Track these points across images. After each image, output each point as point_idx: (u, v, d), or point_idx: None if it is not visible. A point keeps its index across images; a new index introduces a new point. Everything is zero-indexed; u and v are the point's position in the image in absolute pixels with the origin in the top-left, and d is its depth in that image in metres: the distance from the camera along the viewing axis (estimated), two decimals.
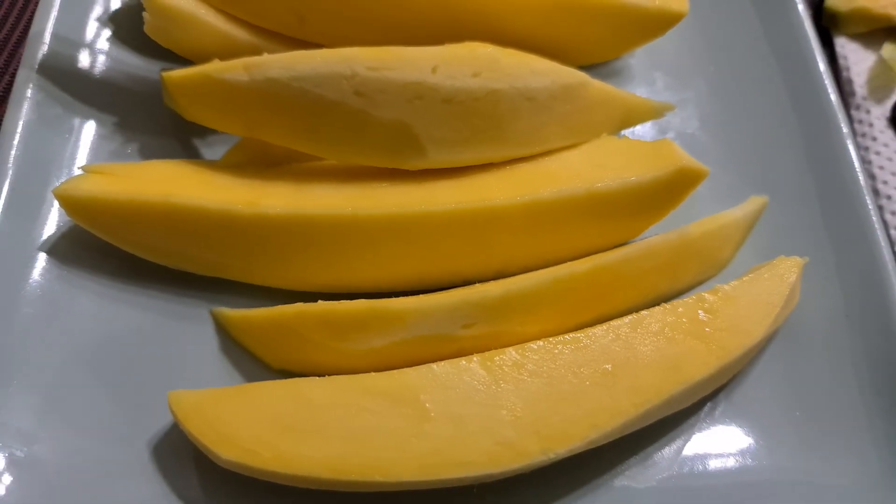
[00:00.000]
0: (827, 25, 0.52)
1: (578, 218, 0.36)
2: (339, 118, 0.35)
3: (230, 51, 0.39)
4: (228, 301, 0.37)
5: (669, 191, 0.37)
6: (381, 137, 0.35)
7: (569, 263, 0.35)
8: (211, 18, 0.38)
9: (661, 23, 0.40)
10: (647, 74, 0.46)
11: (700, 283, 0.39)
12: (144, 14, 0.37)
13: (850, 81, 0.49)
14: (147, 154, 0.40)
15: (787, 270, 0.36)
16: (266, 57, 0.35)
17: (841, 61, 0.50)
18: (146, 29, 0.38)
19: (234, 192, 0.36)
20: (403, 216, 0.34)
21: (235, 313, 0.35)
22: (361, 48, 0.35)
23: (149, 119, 0.41)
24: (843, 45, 0.51)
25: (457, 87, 0.35)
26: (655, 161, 0.37)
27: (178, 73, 0.37)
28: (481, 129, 0.36)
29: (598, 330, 0.33)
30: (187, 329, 0.36)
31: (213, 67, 0.36)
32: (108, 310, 0.36)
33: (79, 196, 0.35)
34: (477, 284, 0.35)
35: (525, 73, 0.36)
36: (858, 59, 0.50)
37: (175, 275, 0.37)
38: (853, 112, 0.48)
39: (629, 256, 0.36)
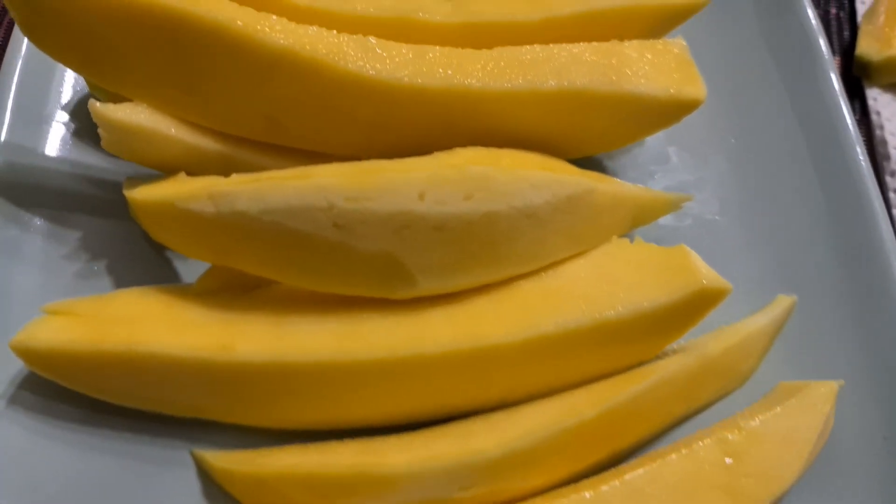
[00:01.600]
0: (858, 75, 0.47)
1: (585, 347, 0.32)
2: (316, 251, 0.31)
3: (197, 161, 0.35)
4: (211, 440, 0.34)
5: (687, 313, 0.33)
6: (364, 268, 0.32)
7: (575, 407, 0.32)
8: (172, 131, 0.34)
9: (675, 112, 0.36)
10: (660, 150, 0.42)
11: (720, 399, 0.36)
12: (99, 130, 0.34)
13: (884, 142, 0.44)
14: (115, 272, 0.37)
15: (820, 399, 0.32)
16: (233, 185, 0.31)
17: (874, 117, 0.46)
18: (103, 144, 0.34)
19: (207, 332, 0.32)
20: (392, 360, 0.31)
21: (217, 461, 0.32)
22: (337, 173, 0.31)
23: (116, 230, 0.37)
24: (876, 98, 0.46)
25: (448, 213, 0.31)
26: (671, 278, 0.33)
27: (141, 195, 0.33)
28: (477, 253, 0.32)
29: (610, 487, 0.30)
30: (168, 473, 0.33)
31: (177, 194, 0.32)
32: (79, 459, 0.33)
33: (36, 347, 0.31)
34: (475, 431, 0.32)
35: (523, 190, 0.32)
36: (892, 113, 0.45)
37: (150, 415, 0.34)
38: (888, 178, 0.43)
39: (642, 390, 0.32)
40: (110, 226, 0.38)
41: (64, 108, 0.40)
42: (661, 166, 0.41)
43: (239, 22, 0.32)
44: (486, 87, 0.34)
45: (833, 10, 0.51)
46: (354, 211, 0.31)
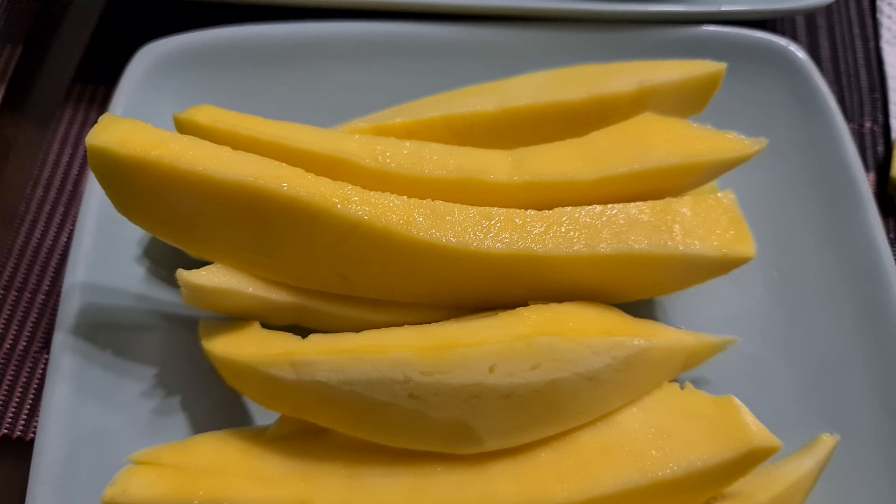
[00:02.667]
0: (892, 194, 0.49)
1: (640, 502, 0.35)
2: (391, 416, 0.33)
3: (272, 311, 0.37)
4: None
5: (737, 469, 0.34)
6: (435, 431, 0.34)
7: None
8: (250, 290, 0.36)
9: (726, 267, 0.38)
10: (703, 285, 0.43)
11: None
12: (182, 289, 0.36)
13: None
14: (191, 410, 0.39)
15: None
16: (313, 356, 0.33)
17: None
18: (184, 299, 0.36)
19: (286, 485, 0.34)
20: None
21: None
22: (412, 347, 0.33)
23: (192, 366, 0.40)
24: None
25: (516, 384, 0.33)
26: (723, 435, 0.34)
27: (219, 350, 0.36)
28: (539, 415, 0.34)
29: None
30: None
31: (258, 358, 0.34)
32: None
33: (128, 503, 0.34)
34: None
35: (586, 357, 0.34)
36: None
37: None
38: None
39: None
40: (186, 362, 0.40)
41: (138, 244, 0.42)
42: (704, 298, 0.43)
43: (317, 196, 0.34)
44: (548, 252, 0.35)
45: (867, 124, 0.52)
46: (429, 384, 0.33)
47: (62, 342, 0.38)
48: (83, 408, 0.37)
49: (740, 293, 0.43)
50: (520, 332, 0.34)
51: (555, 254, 0.36)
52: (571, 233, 0.36)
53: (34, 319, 0.45)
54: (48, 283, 0.45)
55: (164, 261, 0.42)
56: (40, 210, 0.48)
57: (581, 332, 0.35)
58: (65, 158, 0.50)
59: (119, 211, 0.34)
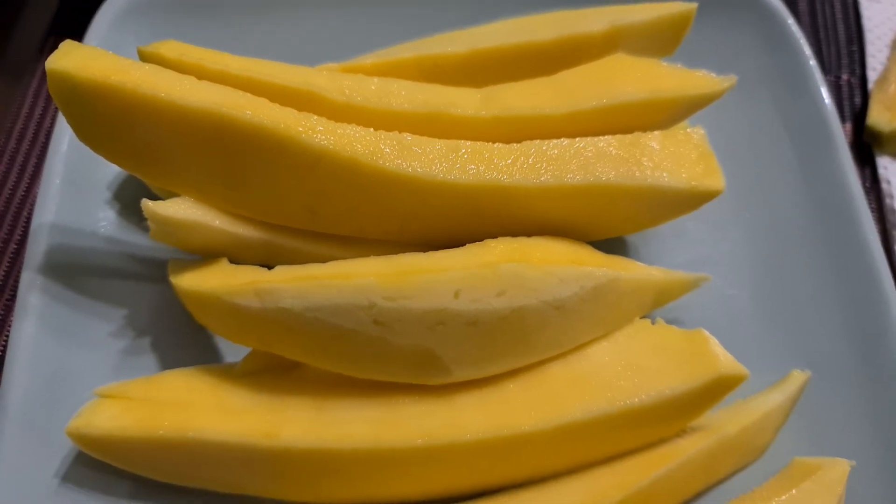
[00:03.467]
0: (868, 141, 0.49)
1: (609, 433, 0.34)
2: (356, 344, 0.33)
3: (240, 248, 0.37)
4: None
5: (706, 398, 0.34)
6: (401, 360, 0.34)
7: (602, 489, 0.33)
8: (217, 223, 0.36)
9: (695, 201, 0.37)
10: (677, 224, 0.42)
11: (739, 471, 0.38)
12: (149, 222, 0.36)
13: (893, 211, 0.46)
14: (160, 348, 0.39)
15: (833, 481, 0.34)
16: (277, 284, 0.33)
17: (884, 185, 0.47)
18: (151, 235, 0.36)
19: (253, 417, 0.34)
20: (429, 448, 0.33)
21: None
22: (376, 273, 0.33)
23: (160, 306, 0.39)
24: (886, 167, 0.47)
25: (481, 310, 0.33)
26: (692, 365, 0.34)
27: (187, 284, 0.35)
28: (507, 344, 0.34)
29: None
30: None
31: (223, 288, 0.34)
32: None
33: (92, 434, 0.33)
34: None
35: (552, 285, 0.34)
36: None
37: (196, 491, 0.35)
38: None
39: (665, 473, 0.34)
40: (154, 303, 0.40)
41: (108, 188, 0.42)
42: (678, 240, 0.43)
43: (282, 124, 0.34)
44: (515, 183, 0.35)
45: (844, 76, 0.52)
46: (393, 309, 0.33)
47: (29, 281, 0.38)
48: (50, 346, 0.37)
49: (712, 235, 0.43)
50: (485, 259, 0.34)
51: (522, 184, 0.35)
52: (539, 164, 0.36)
53: (5, 269, 0.44)
54: (20, 233, 0.45)
55: (135, 204, 0.41)
56: (12, 162, 0.48)
57: (548, 262, 0.35)
58: (37, 111, 0.49)
59: (82, 140, 0.34)
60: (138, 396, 0.35)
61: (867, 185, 0.48)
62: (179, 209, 0.35)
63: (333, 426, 0.34)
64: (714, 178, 0.37)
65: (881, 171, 0.48)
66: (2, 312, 0.43)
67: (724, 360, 0.35)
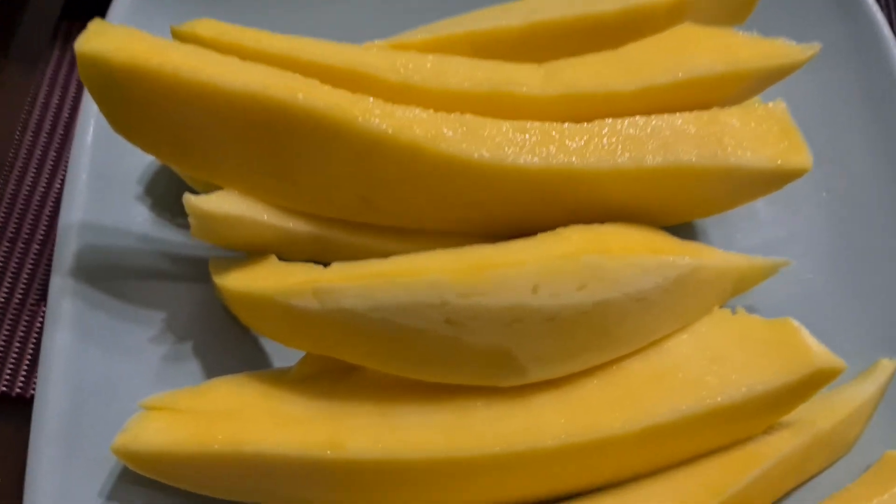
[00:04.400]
0: None
1: (697, 432, 0.32)
2: (426, 345, 0.31)
3: (288, 244, 0.34)
4: None
5: (800, 393, 0.32)
6: (474, 361, 0.31)
7: (695, 493, 0.31)
8: (264, 217, 0.33)
9: (779, 180, 0.35)
10: (748, 205, 0.40)
11: (828, 467, 0.36)
12: (190, 218, 0.33)
13: None
14: (203, 354, 0.36)
15: None
16: (337, 283, 0.30)
17: None
18: (192, 232, 0.33)
19: (312, 427, 0.31)
20: (506, 455, 0.30)
21: None
22: (447, 269, 0.30)
23: (201, 308, 0.37)
24: None
25: (561, 305, 0.30)
26: (782, 357, 0.32)
27: (234, 285, 0.33)
28: (586, 341, 0.31)
29: None
30: None
31: (277, 289, 0.31)
32: None
33: (140, 451, 0.30)
34: None
35: (635, 276, 0.31)
36: None
37: None
38: None
39: (759, 475, 0.31)
40: (195, 305, 0.37)
41: (138, 182, 0.39)
42: (750, 222, 0.40)
43: (335, 108, 0.31)
44: (588, 166, 0.33)
45: None
46: (467, 307, 0.30)
47: (60, 286, 0.35)
48: (86, 356, 0.34)
49: (786, 215, 0.40)
50: (563, 250, 0.31)
51: (596, 168, 0.33)
52: (614, 145, 0.33)
53: (29, 270, 0.41)
54: (42, 231, 0.42)
55: (168, 199, 0.39)
56: (30, 156, 0.44)
57: (628, 251, 0.32)
58: (54, 100, 0.46)
59: (116, 130, 0.31)
60: (186, 408, 0.33)
61: None
62: (224, 203, 0.32)
63: (402, 433, 0.31)
64: (800, 156, 0.34)
65: None
66: (28, 317, 0.40)
67: (819, 351, 0.32)
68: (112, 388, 0.34)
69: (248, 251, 0.35)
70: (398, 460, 0.31)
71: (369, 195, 0.33)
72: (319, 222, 0.34)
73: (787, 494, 0.35)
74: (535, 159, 0.32)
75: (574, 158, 0.33)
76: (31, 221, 0.43)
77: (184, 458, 0.31)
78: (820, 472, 0.35)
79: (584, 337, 0.32)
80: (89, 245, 0.37)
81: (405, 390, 0.33)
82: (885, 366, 0.36)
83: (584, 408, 0.32)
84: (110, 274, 0.37)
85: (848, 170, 0.41)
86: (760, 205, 0.41)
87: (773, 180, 0.35)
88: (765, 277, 0.37)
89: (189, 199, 0.32)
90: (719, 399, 0.31)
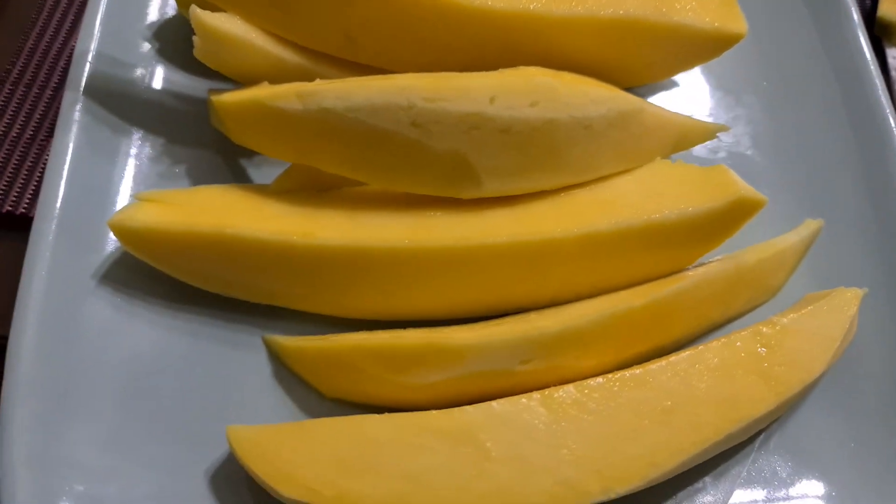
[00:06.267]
0: (879, 35, 0.51)
1: (634, 248, 0.36)
2: (393, 148, 0.35)
3: (279, 73, 0.38)
4: (282, 327, 0.37)
5: (726, 220, 0.36)
6: (436, 167, 0.35)
7: (625, 297, 0.35)
8: (261, 42, 0.37)
9: (718, 45, 0.39)
10: (696, 90, 0.45)
11: (753, 309, 0.39)
12: (194, 38, 0.37)
13: None
14: (195, 175, 0.40)
15: (846, 303, 0.35)
16: (320, 85, 0.35)
17: (893, 73, 0.49)
18: (196, 52, 0.37)
19: (288, 221, 0.35)
20: (460, 248, 0.34)
21: (289, 342, 0.35)
22: (418, 77, 0.34)
23: (197, 139, 0.41)
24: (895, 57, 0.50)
25: (514, 118, 0.34)
26: (712, 190, 0.36)
27: (229, 98, 0.37)
28: (537, 159, 0.36)
29: (657, 366, 0.33)
30: (241, 356, 0.36)
31: (266, 94, 0.35)
32: (163, 338, 0.36)
33: (133, 227, 0.34)
34: (533, 317, 0.35)
35: (584, 102, 0.35)
36: None
37: (228, 302, 0.37)
38: None
39: (684, 288, 0.35)
40: (192, 136, 0.41)
41: (149, 27, 0.43)
42: (696, 105, 0.45)
43: None
44: (548, 13, 0.37)
45: None
46: (431, 110, 0.34)
47: (71, 100, 0.39)
48: (90, 160, 0.38)
49: (731, 101, 0.45)
50: (521, 74, 0.36)
51: (554, 14, 0.37)
52: None
53: (42, 111, 0.45)
54: (56, 80, 0.46)
55: (177, 44, 0.42)
56: (52, 15, 0.49)
57: (579, 81, 0.36)
58: None
59: None
60: (176, 202, 0.36)
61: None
62: (226, 23, 0.36)
63: (368, 229, 0.35)
64: (736, 22, 0.39)
65: (891, 61, 0.49)
66: (37, 150, 0.44)
67: (744, 186, 0.36)
68: (111, 190, 0.38)
69: (242, 80, 0.39)
70: (363, 248, 0.34)
71: (352, 32, 0.38)
72: (309, 55, 0.38)
73: (713, 327, 0.38)
74: (500, 3, 0.37)
75: (534, 5, 0.37)
76: (46, 71, 0.47)
77: (171, 237, 0.34)
78: (746, 310, 0.39)
79: (534, 154, 0.36)
80: (100, 72, 0.41)
81: (374, 202, 0.37)
82: (809, 223, 0.40)
83: (532, 218, 0.36)
84: (117, 98, 0.40)
85: (785, 63, 0.45)
86: (708, 90, 0.45)
87: (711, 44, 0.39)
88: (705, 138, 0.41)
89: (196, 12, 0.36)
90: (654, 216, 0.35)
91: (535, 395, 0.32)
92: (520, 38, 0.38)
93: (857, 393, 0.37)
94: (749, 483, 0.35)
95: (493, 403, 0.32)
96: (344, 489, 0.30)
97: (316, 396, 0.36)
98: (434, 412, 0.32)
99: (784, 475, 0.35)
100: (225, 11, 0.37)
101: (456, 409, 0.32)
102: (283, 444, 0.31)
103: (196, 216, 0.35)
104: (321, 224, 0.35)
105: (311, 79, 0.38)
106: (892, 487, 0.35)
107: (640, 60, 0.39)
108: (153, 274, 0.36)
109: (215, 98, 0.38)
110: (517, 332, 0.33)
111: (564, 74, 0.37)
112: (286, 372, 0.36)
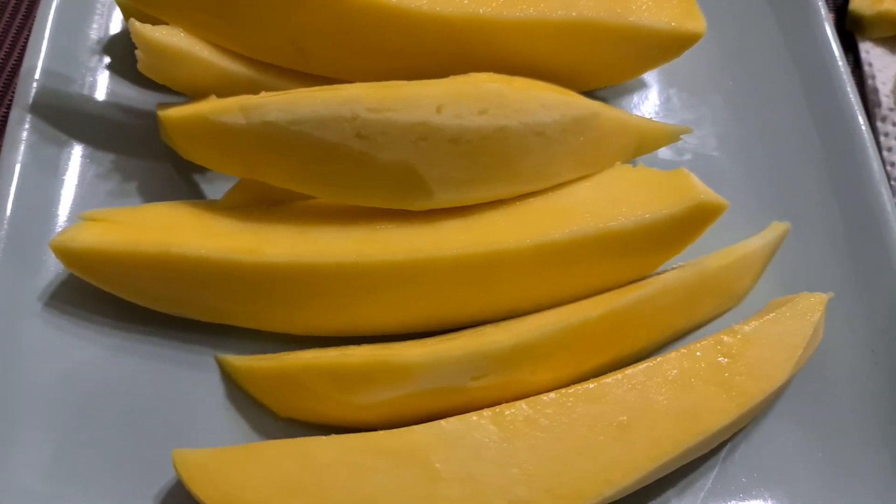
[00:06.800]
0: (851, 29, 0.49)
1: (591, 257, 0.35)
2: (340, 161, 0.34)
3: (227, 85, 0.37)
4: (233, 346, 0.36)
5: (686, 226, 0.35)
6: (384, 179, 0.34)
7: (581, 308, 0.34)
8: (205, 54, 0.36)
9: (676, 45, 0.38)
10: (661, 91, 0.44)
11: (718, 316, 0.38)
12: (137, 52, 0.36)
13: (875, 90, 0.46)
14: (145, 192, 0.39)
15: (810, 308, 0.34)
16: (264, 98, 0.34)
17: (866, 68, 0.48)
18: (139, 66, 0.36)
19: (236, 238, 0.34)
20: (410, 262, 0.33)
21: (240, 362, 0.35)
22: (362, 87, 0.33)
23: (147, 154, 0.40)
24: (868, 51, 0.48)
25: (463, 127, 0.33)
26: (672, 195, 0.35)
27: (175, 113, 0.36)
28: (489, 167, 0.34)
29: (613, 380, 0.32)
30: (192, 376, 0.35)
31: (209, 108, 0.34)
32: (112, 360, 0.35)
33: (76, 248, 0.33)
34: (487, 331, 0.34)
35: (534, 108, 0.34)
36: (884, 64, 0.48)
37: (178, 321, 0.36)
38: (879, 124, 0.46)
39: (644, 297, 0.34)
40: (141, 151, 0.40)
41: (98, 42, 0.42)
42: (662, 107, 0.44)
43: None
44: (498, 16, 0.36)
45: None
46: (376, 121, 0.33)
47: (18, 118, 0.38)
48: (37, 179, 0.37)
49: (696, 101, 0.44)
50: (470, 81, 0.35)
51: (505, 18, 0.36)
52: (522, 0, 0.37)
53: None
54: (9, 101, 0.46)
55: (126, 60, 0.42)
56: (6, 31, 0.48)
57: (530, 86, 0.35)
58: None
59: None
60: (123, 221, 0.35)
61: (850, 69, 0.48)
62: (168, 35, 0.35)
63: (317, 244, 0.34)
64: (695, 21, 0.38)
65: (863, 55, 0.48)
66: None
67: (704, 190, 0.35)
68: (58, 210, 0.37)
69: (190, 93, 0.38)
70: (312, 264, 0.33)
71: (301, 41, 0.37)
72: (257, 67, 0.37)
73: (677, 335, 0.37)
74: (449, 8, 0.36)
75: (485, 9, 0.36)
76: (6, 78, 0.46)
77: (115, 257, 0.34)
78: (709, 318, 0.38)
79: (486, 163, 0.34)
80: (48, 88, 0.40)
81: (324, 217, 0.36)
82: (776, 226, 0.39)
83: (485, 229, 0.35)
84: (65, 116, 0.40)
85: (750, 58, 0.44)
86: (673, 91, 0.44)
87: (670, 44, 0.38)
88: (668, 141, 0.40)
89: (135, 25, 0.35)
90: (611, 224, 0.34)
91: (486, 412, 0.31)
92: (471, 43, 0.37)
93: (823, 401, 0.36)
94: (714, 496, 0.34)
95: (443, 422, 0.31)
96: None
97: (269, 416, 0.35)
98: (382, 433, 0.31)
99: (750, 488, 0.34)
100: (167, 24, 0.37)
101: (405, 429, 0.31)
102: (229, 468, 0.31)
103: (141, 235, 0.34)
104: (269, 240, 0.34)
105: (259, 91, 0.38)
106: (860, 496, 0.34)
107: (598, 63, 0.38)
108: (101, 295, 0.36)
109: (161, 113, 0.37)
110: (469, 347, 0.32)
111: (516, 80, 0.36)
112: (239, 392, 0.36)
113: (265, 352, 0.36)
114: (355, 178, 0.34)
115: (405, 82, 0.34)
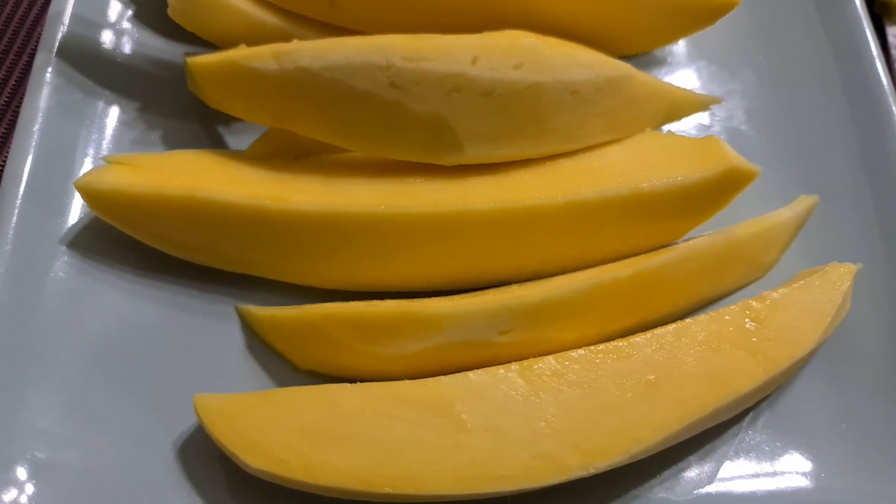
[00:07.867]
0: (879, 14, 0.49)
1: (621, 218, 0.34)
2: (372, 110, 0.33)
3: (257, 36, 0.37)
4: (255, 298, 0.36)
5: (717, 192, 0.35)
6: (415, 131, 0.34)
7: (610, 268, 0.34)
8: (238, 2, 0.36)
9: (711, 13, 0.38)
10: (691, 63, 0.43)
11: (744, 287, 0.38)
12: None
13: None
14: (170, 142, 0.39)
15: (839, 278, 0.34)
16: (296, 44, 0.33)
17: (893, 52, 0.48)
18: (170, 12, 0.36)
19: (262, 186, 0.34)
20: (439, 215, 0.33)
21: (262, 312, 0.34)
22: (397, 36, 0.33)
23: (172, 105, 0.39)
24: None
25: (497, 80, 0.33)
26: (703, 160, 0.35)
27: (204, 59, 0.35)
28: (521, 124, 0.34)
29: (641, 339, 0.32)
30: (213, 326, 0.35)
31: (241, 54, 0.34)
32: (132, 305, 0.35)
33: (101, 189, 0.33)
34: (514, 287, 0.34)
35: (569, 66, 0.34)
36: None
37: (200, 270, 0.36)
38: None
39: (672, 260, 0.34)
40: (167, 101, 0.40)
41: None
42: (692, 78, 0.43)
43: None
44: None
45: None
46: (411, 70, 0.33)
47: (43, 61, 0.38)
48: (60, 123, 0.37)
49: (725, 75, 0.43)
50: (505, 35, 0.34)
51: None
52: None
53: (17, 80, 0.44)
54: (33, 47, 0.45)
55: (155, 7, 0.41)
56: None
57: (565, 44, 0.35)
58: None
59: None
60: (148, 165, 0.35)
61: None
62: None
63: (343, 194, 0.34)
64: None
65: (891, 40, 0.48)
66: (10, 119, 0.43)
67: (735, 157, 0.35)
68: (81, 155, 0.37)
69: (218, 42, 0.38)
70: (339, 213, 0.33)
71: None
72: (288, 18, 0.37)
73: (704, 303, 0.37)
74: None
75: None
76: (24, 37, 0.46)
77: (140, 200, 0.33)
78: (736, 287, 0.37)
79: (518, 119, 0.34)
80: (74, 34, 0.39)
81: (351, 169, 0.36)
82: (804, 199, 0.39)
83: (516, 186, 0.34)
84: (91, 61, 0.39)
85: (783, 34, 0.44)
86: (703, 64, 0.44)
87: (705, 11, 0.38)
88: (697, 109, 0.40)
89: None
90: (643, 185, 0.34)
91: (513, 365, 0.31)
92: (506, 2, 0.36)
93: (849, 371, 0.35)
94: (736, 462, 0.34)
95: (470, 374, 0.30)
96: (311, 458, 0.29)
97: (289, 368, 0.35)
98: (408, 382, 0.30)
99: (773, 454, 0.34)
100: None
101: (431, 379, 0.31)
102: (250, 412, 0.30)
103: (167, 179, 0.34)
104: (296, 189, 0.34)
105: (289, 41, 0.38)
106: (883, 468, 0.33)
107: (631, 27, 0.38)
108: (123, 240, 0.35)
109: (190, 60, 0.36)
110: (496, 302, 0.32)
111: (550, 39, 0.35)
112: (260, 343, 0.35)
113: (288, 304, 0.35)
114: (386, 129, 0.34)
115: (440, 35, 0.34)
